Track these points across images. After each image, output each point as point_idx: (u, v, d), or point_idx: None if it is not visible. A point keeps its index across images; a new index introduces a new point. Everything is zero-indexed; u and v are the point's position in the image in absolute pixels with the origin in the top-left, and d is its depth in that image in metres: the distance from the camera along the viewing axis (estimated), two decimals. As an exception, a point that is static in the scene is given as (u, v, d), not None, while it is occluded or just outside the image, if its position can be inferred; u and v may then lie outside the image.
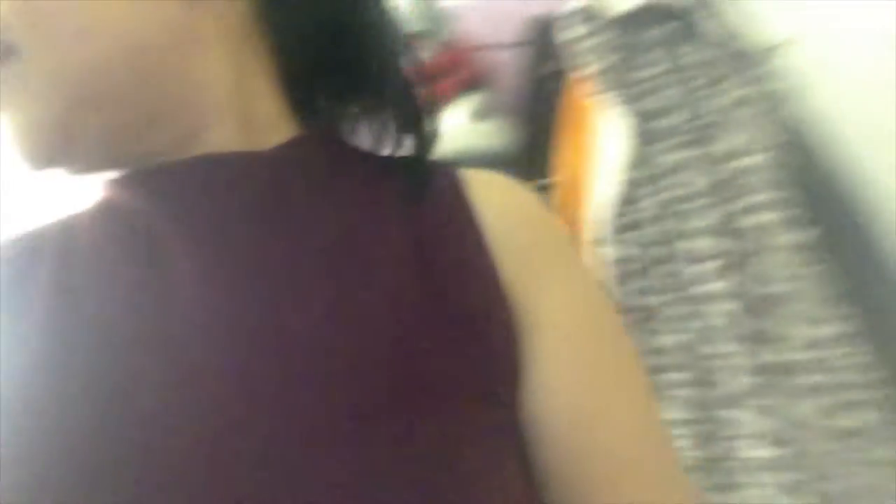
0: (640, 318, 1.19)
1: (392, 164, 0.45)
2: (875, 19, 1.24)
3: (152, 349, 0.37)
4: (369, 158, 0.47)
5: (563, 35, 1.31)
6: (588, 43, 1.29)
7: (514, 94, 1.39)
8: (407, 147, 0.46)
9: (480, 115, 1.40)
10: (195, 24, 0.41)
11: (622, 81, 1.28)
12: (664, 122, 1.28)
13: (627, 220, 1.23)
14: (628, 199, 1.23)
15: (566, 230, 0.46)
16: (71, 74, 0.39)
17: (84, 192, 0.44)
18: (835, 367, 1.15)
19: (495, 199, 0.44)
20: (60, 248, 0.42)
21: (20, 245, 0.43)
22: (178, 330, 0.37)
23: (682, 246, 1.23)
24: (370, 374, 0.37)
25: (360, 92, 0.47)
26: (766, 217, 1.22)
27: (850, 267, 1.20)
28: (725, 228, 1.23)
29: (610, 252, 1.22)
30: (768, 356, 1.16)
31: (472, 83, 1.41)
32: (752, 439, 1.13)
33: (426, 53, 1.35)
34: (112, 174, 0.43)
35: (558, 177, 1.29)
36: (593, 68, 1.27)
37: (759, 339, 1.17)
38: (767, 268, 1.21)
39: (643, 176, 1.25)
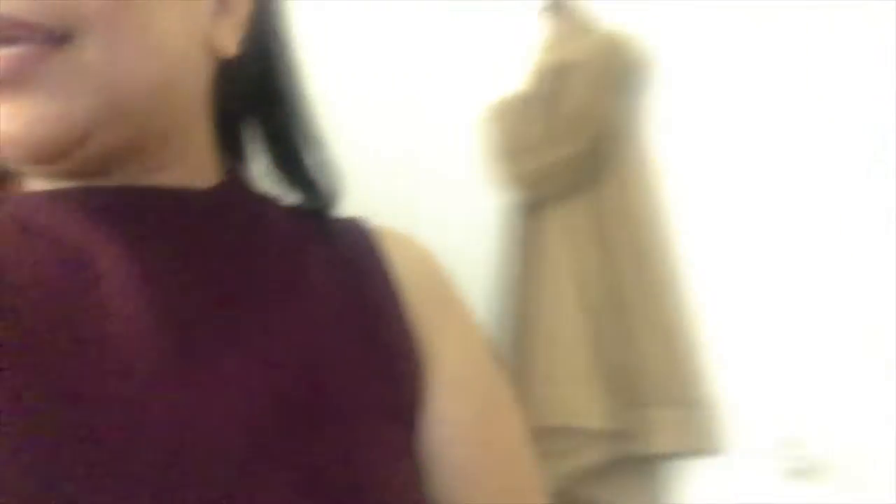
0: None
1: (305, 212, 0.50)
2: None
3: (78, 362, 0.38)
4: (284, 206, 0.51)
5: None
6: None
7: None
8: (313, 197, 0.51)
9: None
10: (206, 75, 0.45)
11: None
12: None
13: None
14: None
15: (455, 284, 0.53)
16: (118, 82, 0.39)
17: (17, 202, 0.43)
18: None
19: (402, 251, 0.50)
20: None
21: None
22: (103, 344, 0.38)
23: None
24: (288, 393, 0.40)
25: (280, 149, 0.51)
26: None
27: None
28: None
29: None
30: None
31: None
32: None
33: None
34: (47, 187, 0.42)
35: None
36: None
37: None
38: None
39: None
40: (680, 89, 1.58)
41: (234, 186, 0.47)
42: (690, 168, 1.57)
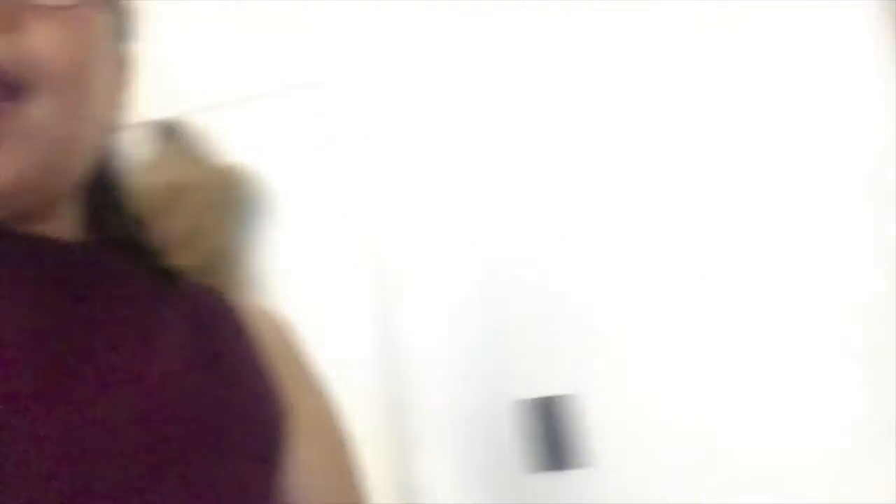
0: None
1: (162, 273, 0.52)
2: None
3: None
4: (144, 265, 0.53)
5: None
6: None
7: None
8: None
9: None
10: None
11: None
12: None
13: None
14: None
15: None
16: (64, 142, 0.42)
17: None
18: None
19: (257, 313, 0.55)
20: None
21: None
22: None
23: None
24: (154, 431, 0.42)
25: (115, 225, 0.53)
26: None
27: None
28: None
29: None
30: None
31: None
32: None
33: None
34: None
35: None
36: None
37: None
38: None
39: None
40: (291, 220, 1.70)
41: (98, 243, 0.50)
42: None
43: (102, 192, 0.51)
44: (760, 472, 1.36)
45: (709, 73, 1.47)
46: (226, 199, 1.68)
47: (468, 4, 1.58)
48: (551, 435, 1.46)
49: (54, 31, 0.41)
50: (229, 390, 0.47)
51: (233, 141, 1.69)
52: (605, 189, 1.51)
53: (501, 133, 1.57)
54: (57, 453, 0.38)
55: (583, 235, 1.52)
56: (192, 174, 1.67)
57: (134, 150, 1.55)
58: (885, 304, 1.35)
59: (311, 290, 1.62)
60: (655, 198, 1.48)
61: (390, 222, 1.62)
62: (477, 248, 1.56)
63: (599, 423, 1.45)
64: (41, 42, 0.40)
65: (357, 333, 1.59)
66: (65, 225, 0.47)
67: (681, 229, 1.47)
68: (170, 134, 1.70)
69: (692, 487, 1.37)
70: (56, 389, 0.39)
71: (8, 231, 0.42)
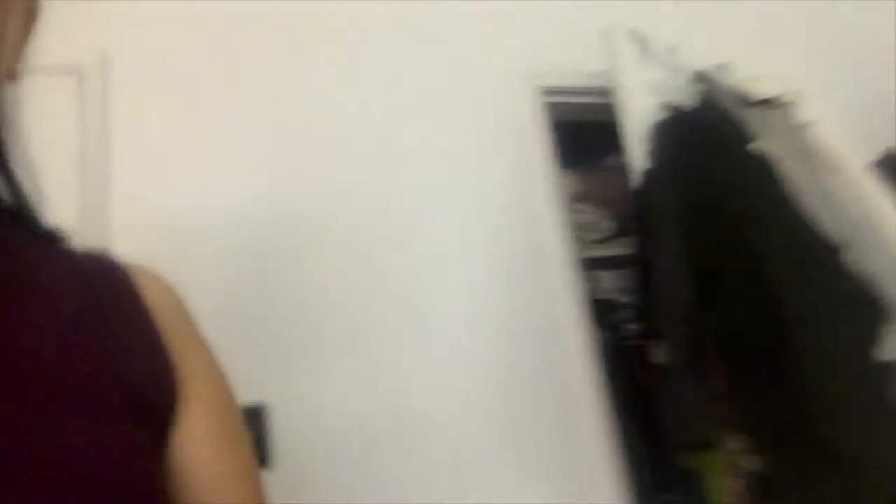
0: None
1: (50, 238, 0.53)
2: None
3: None
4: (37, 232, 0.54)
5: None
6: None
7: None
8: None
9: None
10: None
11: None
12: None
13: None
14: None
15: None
16: None
17: None
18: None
19: (150, 280, 0.53)
20: None
21: None
22: None
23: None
24: (27, 397, 0.41)
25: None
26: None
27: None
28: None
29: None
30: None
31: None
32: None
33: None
34: None
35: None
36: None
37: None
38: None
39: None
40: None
41: None
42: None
43: None
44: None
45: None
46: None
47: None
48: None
49: None
50: (113, 352, 0.46)
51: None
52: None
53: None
54: None
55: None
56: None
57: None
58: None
59: None
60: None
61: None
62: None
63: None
64: None
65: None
66: None
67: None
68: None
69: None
70: None
71: None
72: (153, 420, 0.46)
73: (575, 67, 1.87)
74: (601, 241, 2.41)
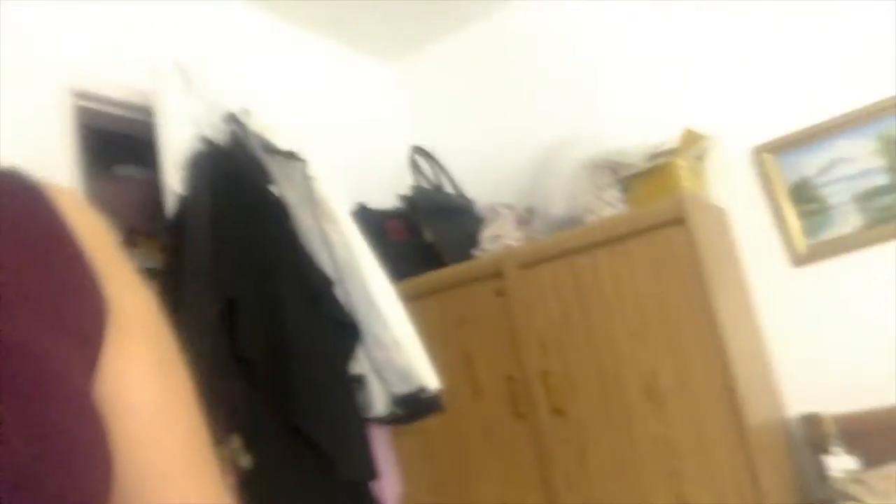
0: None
1: None
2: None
3: None
4: None
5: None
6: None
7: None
8: None
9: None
10: None
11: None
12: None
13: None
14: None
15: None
16: None
17: None
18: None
19: (72, 203, 0.49)
20: None
21: None
22: None
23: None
24: None
25: None
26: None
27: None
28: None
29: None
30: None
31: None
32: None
33: None
34: None
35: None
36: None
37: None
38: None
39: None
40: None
41: None
42: None
43: None
44: None
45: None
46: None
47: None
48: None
49: None
50: (30, 278, 0.42)
51: None
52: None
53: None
54: None
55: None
56: None
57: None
58: None
59: None
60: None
61: None
62: None
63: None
64: None
65: None
66: None
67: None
68: None
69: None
70: None
71: None
72: (83, 342, 0.44)
73: (120, 83, 1.90)
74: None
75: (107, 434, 0.42)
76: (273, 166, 1.92)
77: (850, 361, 2.28)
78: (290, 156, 1.94)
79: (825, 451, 2.17)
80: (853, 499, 1.94)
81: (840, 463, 2.13)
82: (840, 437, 2.17)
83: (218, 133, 1.91)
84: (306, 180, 1.92)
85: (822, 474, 2.16)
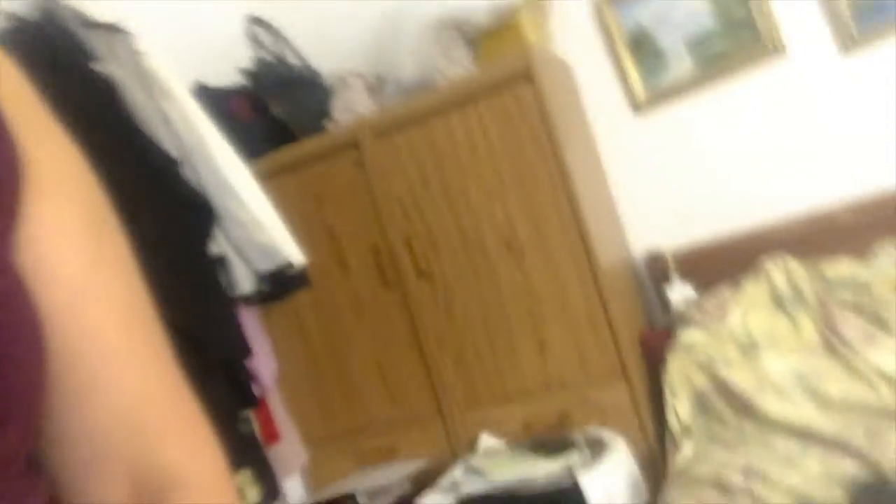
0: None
1: None
2: None
3: None
4: None
5: None
6: None
7: None
8: None
9: None
10: None
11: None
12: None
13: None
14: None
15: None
16: None
17: None
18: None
19: None
20: None
21: None
22: None
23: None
24: None
25: None
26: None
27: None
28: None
29: None
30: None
31: None
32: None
33: None
34: None
35: None
36: None
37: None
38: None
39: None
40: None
41: None
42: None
43: None
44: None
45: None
46: None
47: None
48: None
49: None
50: None
51: None
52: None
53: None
54: None
55: None
56: None
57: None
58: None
59: None
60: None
61: None
62: None
63: None
64: None
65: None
66: None
67: None
68: None
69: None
70: None
71: None
72: (6, 221, 0.39)
73: None
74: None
75: (31, 305, 0.37)
76: (94, 41, 1.75)
77: (687, 199, 2.46)
78: (113, 29, 1.77)
79: (667, 282, 2.38)
80: (691, 321, 2.15)
81: (680, 292, 2.34)
82: (679, 269, 2.38)
83: (24, 7, 1.71)
84: (135, 55, 1.77)
85: (664, 304, 2.38)
